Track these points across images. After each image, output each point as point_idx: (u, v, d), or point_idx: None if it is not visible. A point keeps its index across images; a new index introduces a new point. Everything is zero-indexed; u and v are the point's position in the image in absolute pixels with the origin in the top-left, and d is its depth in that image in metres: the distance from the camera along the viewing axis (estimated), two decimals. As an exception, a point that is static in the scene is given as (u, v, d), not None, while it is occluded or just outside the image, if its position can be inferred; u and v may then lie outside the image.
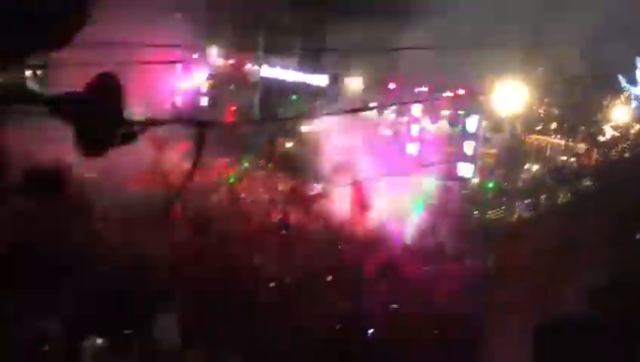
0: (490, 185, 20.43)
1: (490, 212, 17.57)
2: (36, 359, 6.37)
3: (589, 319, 4.73)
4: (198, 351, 6.59)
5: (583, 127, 21.71)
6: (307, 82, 25.07)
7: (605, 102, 21.91)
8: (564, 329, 4.25)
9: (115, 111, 2.61)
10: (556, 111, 22.00)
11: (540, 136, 22.54)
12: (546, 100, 21.72)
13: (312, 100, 24.90)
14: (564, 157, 22.03)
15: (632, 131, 21.14)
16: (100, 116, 2.58)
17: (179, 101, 25.71)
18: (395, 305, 9.26)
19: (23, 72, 2.80)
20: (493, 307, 4.83)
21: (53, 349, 6.59)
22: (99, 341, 6.33)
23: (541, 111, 22.01)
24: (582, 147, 21.54)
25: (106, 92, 2.60)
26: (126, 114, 2.75)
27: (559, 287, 5.36)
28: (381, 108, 20.97)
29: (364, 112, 20.74)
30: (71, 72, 5.60)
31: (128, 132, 2.72)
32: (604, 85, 21.95)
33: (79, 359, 6.34)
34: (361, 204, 14.07)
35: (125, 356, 6.27)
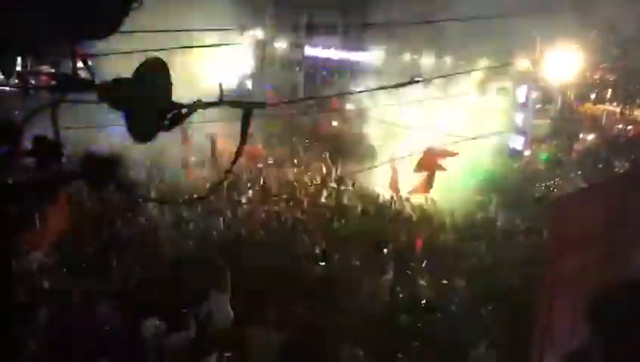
0: (544, 156, 19.91)
1: (544, 184, 17.15)
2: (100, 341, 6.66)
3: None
4: (250, 328, 6.76)
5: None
6: (351, 59, 24.91)
7: (664, 66, 20.88)
8: (626, 295, 4.15)
9: (163, 96, 2.67)
10: (611, 78, 21.10)
11: (594, 105, 21.75)
12: (600, 66, 20.85)
13: (356, 77, 24.75)
14: (620, 126, 21.22)
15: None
16: (149, 101, 2.64)
17: (225, 83, 26.03)
18: (446, 281, 9.23)
19: (75, 62, 2.88)
20: (555, 277, 4.73)
21: (115, 330, 6.90)
22: (158, 321, 6.56)
23: (596, 77, 21.17)
24: (638, 114, 20.68)
25: (154, 77, 2.66)
26: (174, 97, 2.80)
27: (623, 255, 5.20)
28: (428, 80, 20.62)
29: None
30: (120, 60, 5.76)
31: (177, 115, 2.77)
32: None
33: (141, 338, 6.59)
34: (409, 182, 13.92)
35: (183, 333, 6.49)
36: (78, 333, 6.65)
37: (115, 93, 2.64)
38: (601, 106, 21.66)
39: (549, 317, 4.97)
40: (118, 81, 2.71)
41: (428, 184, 13.52)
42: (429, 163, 13.44)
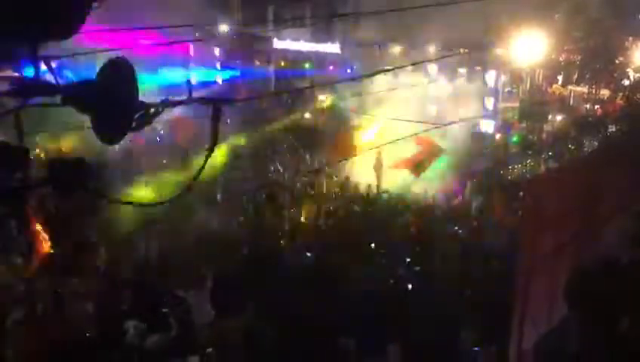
0: (514, 139, 20.16)
1: (516, 166, 17.38)
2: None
3: (628, 261, 4.69)
4: (232, 321, 6.74)
5: (605, 73, 21.14)
6: (320, 51, 24.81)
7: (627, 44, 21.23)
8: (602, 273, 4.22)
9: (129, 95, 2.61)
10: (577, 59, 21.41)
11: (562, 87, 22.06)
12: (565, 48, 21.13)
13: (326, 69, 24.70)
14: (588, 106, 21.58)
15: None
16: (114, 101, 2.58)
17: (193, 80, 25.75)
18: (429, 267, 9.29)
19: (37, 64, 2.80)
20: (532, 257, 4.80)
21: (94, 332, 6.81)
22: (137, 322, 6.50)
23: (561, 59, 21.45)
24: (605, 93, 21.03)
25: (118, 77, 2.60)
26: (140, 97, 2.75)
27: (597, 233, 5.30)
28: (397, 69, 20.66)
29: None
30: (83, 61, 5.64)
31: (145, 115, 2.72)
32: (625, 27, 21.24)
33: (123, 339, 6.53)
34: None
35: (164, 332, 6.44)
36: (54, 336, 6.55)
37: (79, 95, 2.58)
38: (568, 87, 21.97)
39: (527, 297, 5.05)
40: (82, 83, 2.65)
41: (415, 165, 13.68)
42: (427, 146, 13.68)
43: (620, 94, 20.30)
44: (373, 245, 9.84)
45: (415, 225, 11.16)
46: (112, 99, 2.57)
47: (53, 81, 2.78)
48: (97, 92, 2.57)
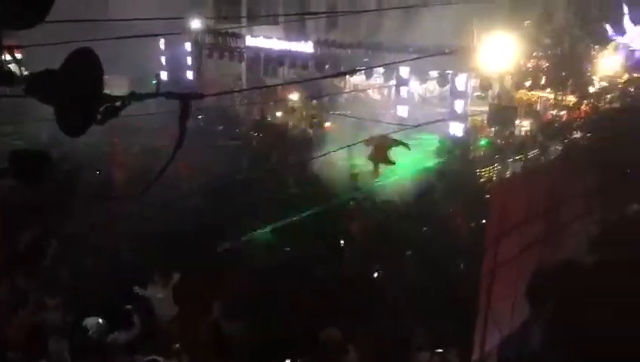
0: (483, 142, 20.43)
1: (484, 169, 17.61)
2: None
3: (586, 267, 4.80)
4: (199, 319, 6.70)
5: (571, 80, 21.57)
6: (292, 50, 24.72)
7: (594, 53, 21.73)
8: (563, 274, 4.33)
9: (94, 87, 2.56)
10: (545, 65, 21.80)
11: (529, 92, 22.42)
12: (534, 54, 21.52)
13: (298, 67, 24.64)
14: (554, 111, 21.99)
15: (620, 81, 21.02)
16: (78, 93, 2.53)
17: (162, 74, 25.47)
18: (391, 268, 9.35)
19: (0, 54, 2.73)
20: (492, 260, 4.87)
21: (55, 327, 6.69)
22: (99, 319, 6.39)
23: (529, 66, 21.82)
24: (571, 100, 21.46)
25: (83, 68, 2.54)
26: (107, 89, 2.70)
27: (556, 236, 5.42)
28: (367, 69, 20.78)
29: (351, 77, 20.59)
30: (49, 51, 5.51)
31: (110, 108, 2.67)
32: (593, 35, 21.75)
33: (83, 336, 6.42)
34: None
35: (127, 330, 6.34)
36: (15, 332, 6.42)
37: (42, 86, 2.52)
38: (536, 93, 22.36)
39: (490, 299, 5.12)
40: (45, 74, 2.59)
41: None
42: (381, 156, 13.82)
43: (585, 101, 20.75)
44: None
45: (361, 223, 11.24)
46: (75, 90, 2.51)
47: (17, 71, 2.72)
48: (60, 82, 2.51)
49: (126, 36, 6.46)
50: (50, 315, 6.91)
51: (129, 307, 6.64)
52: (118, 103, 2.72)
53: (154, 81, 21.26)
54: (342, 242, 10.03)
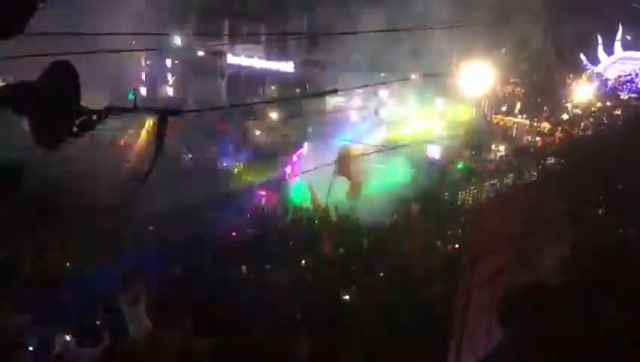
0: (459, 165, 20.66)
1: (460, 192, 17.78)
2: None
3: (559, 285, 4.85)
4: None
5: (546, 107, 21.99)
6: (274, 69, 24.86)
7: (568, 81, 22.22)
8: (534, 295, 4.37)
9: (70, 100, 2.52)
10: (521, 91, 22.22)
11: (505, 117, 22.79)
12: (511, 80, 21.93)
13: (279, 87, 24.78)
14: (529, 137, 22.35)
15: (593, 109, 21.49)
16: (54, 105, 2.49)
17: (142, 89, 25.33)
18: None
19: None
20: (467, 282, 4.89)
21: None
22: (68, 337, 6.25)
23: (506, 92, 22.23)
24: (546, 126, 21.85)
25: (60, 81, 2.51)
26: (84, 103, 2.67)
27: (529, 259, 5.46)
28: (348, 90, 20.94)
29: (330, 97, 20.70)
30: (27, 64, 5.44)
31: (86, 121, 2.64)
32: (568, 64, 22.26)
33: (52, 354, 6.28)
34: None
35: (94, 346, 6.20)
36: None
37: (16, 96, 2.48)
38: (511, 118, 22.74)
39: (465, 321, 5.13)
40: (20, 85, 2.55)
41: (354, 188, 13.75)
42: (345, 167, 13.75)
43: (560, 128, 21.14)
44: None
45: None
46: (50, 102, 2.48)
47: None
48: (36, 94, 2.47)
49: (110, 50, 6.42)
50: (18, 331, 6.74)
51: (98, 322, 6.51)
52: (94, 117, 2.69)
53: (130, 95, 21.12)
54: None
